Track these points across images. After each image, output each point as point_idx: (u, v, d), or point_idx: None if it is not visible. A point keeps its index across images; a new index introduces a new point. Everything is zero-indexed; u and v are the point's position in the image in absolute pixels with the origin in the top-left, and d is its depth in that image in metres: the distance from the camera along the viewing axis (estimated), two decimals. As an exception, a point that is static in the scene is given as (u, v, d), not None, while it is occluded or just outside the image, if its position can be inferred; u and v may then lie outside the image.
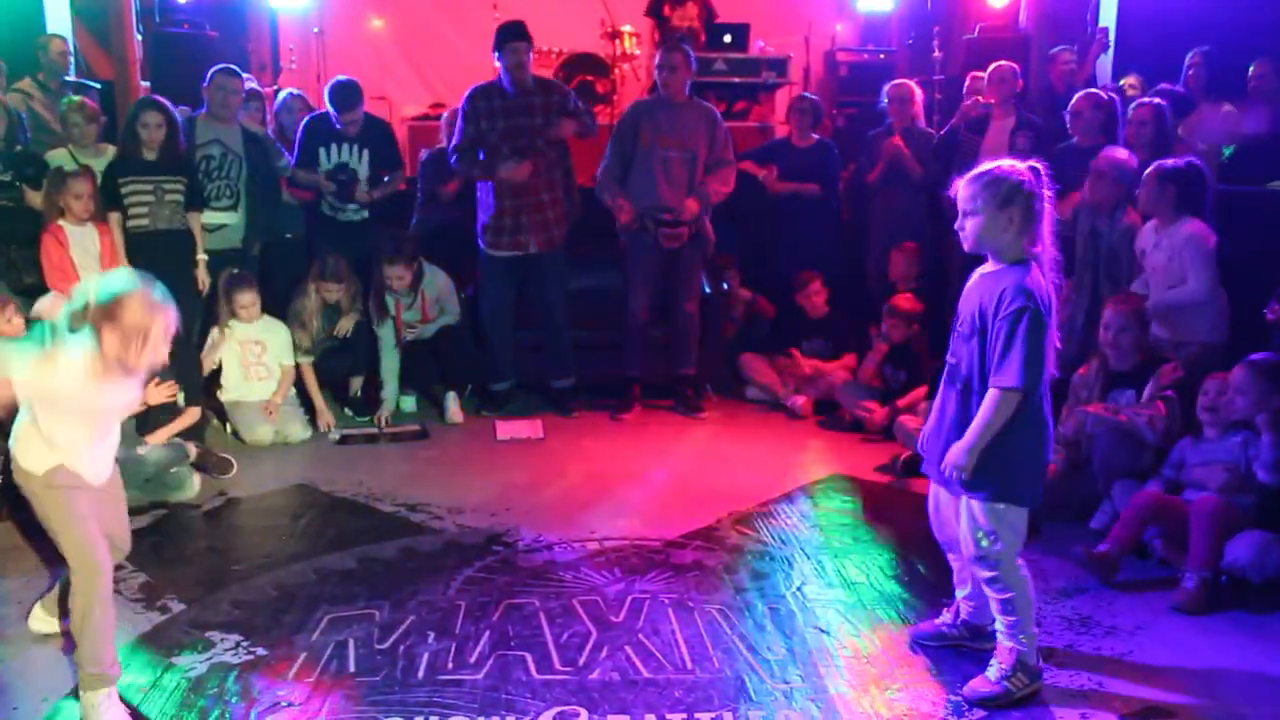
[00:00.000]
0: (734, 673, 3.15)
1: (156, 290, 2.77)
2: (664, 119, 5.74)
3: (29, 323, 4.49)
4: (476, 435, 5.63)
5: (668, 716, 2.92)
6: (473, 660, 3.22)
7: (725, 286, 6.42)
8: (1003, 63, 6.32)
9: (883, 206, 6.66)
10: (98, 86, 6.90)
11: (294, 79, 9.07)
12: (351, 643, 3.32)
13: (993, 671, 3.02)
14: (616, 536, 4.21)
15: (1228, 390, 3.95)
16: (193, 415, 4.92)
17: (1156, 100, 5.45)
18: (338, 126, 5.95)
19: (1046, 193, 2.90)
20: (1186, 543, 3.67)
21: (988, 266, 3.00)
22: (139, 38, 7.40)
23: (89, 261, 5.19)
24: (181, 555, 4.07)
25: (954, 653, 3.27)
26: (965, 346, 2.98)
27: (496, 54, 5.64)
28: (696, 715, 2.92)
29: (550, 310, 5.95)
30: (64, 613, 3.21)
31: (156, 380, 4.52)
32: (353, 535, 4.23)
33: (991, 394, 2.88)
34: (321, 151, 6.00)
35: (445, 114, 6.99)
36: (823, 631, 3.43)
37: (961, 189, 2.95)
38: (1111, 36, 7.36)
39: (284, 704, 2.98)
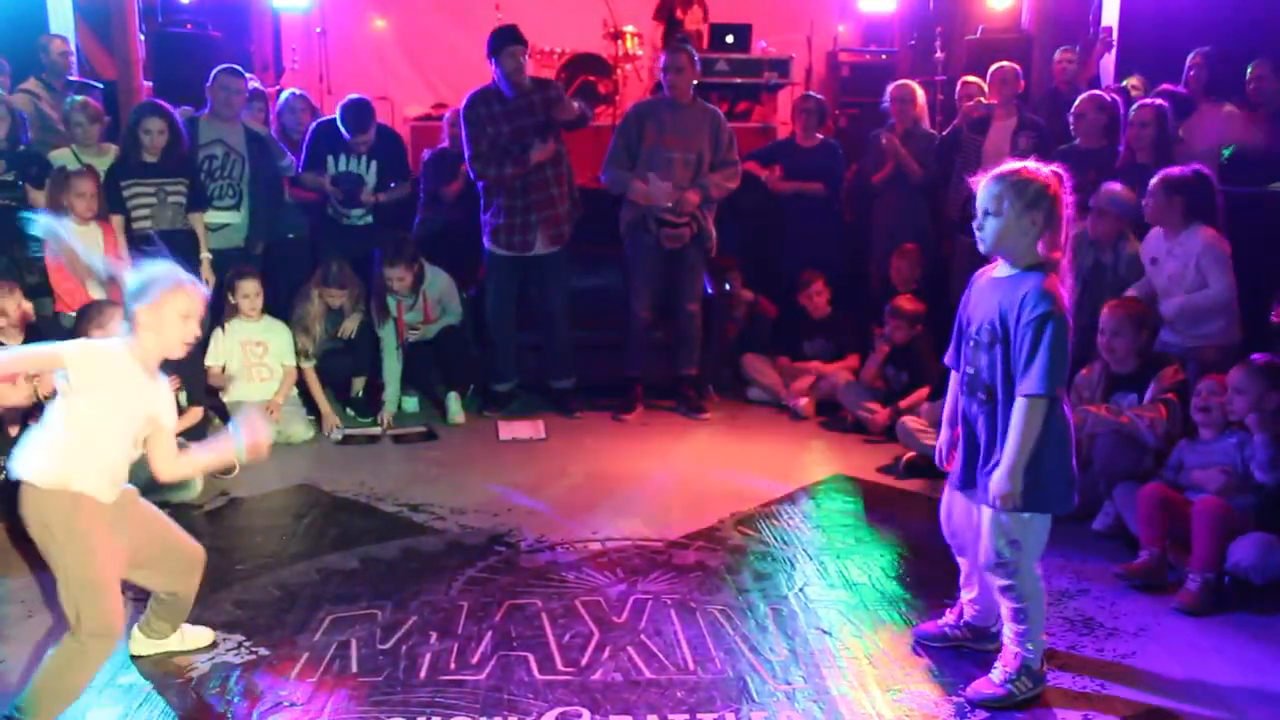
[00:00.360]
0: (736, 673, 3.15)
1: (183, 273, 2.81)
2: (669, 120, 5.74)
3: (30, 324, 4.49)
4: (479, 436, 5.63)
5: (670, 717, 2.92)
6: (475, 660, 3.22)
7: (727, 287, 6.41)
8: (1005, 63, 6.32)
9: (884, 207, 6.65)
10: (100, 86, 6.90)
11: (296, 79, 9.07)
12: (354, 643, 3.32)
13: (997, 674, 3.02)
14: (619, 537, 4.21)
15: (1223, 391, 3.95)
16: (194, 415, 4.92)
17: (1158, 102, 5.45)
18: (347, 139, 5.96)
19: (1069, 199, 2.83)
20: (1189, 543, 3.67)
21: (1000, 271, 2.92)
22: (141, 38, 7.42)
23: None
24: (184, 555, 4.07)
25: (956, 654, 3.27)
26: (986, 356, 2.90)
27: (492, 59, 5.62)
28: (699, 716, 2.92)
29: (552, 311, 5.95)
30: (159, 632, 3.20)
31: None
32: (355, 535, 4.23)
33: (1020, 404, 2.80)
34: (330, 159, 6.02)
35: (447, 114, 7.00)
36: (825, 632, 3.43)
37: (983, 188, 2.84)
38: (1114, 37, 7.37)
39: (286, 704, 2.99)
